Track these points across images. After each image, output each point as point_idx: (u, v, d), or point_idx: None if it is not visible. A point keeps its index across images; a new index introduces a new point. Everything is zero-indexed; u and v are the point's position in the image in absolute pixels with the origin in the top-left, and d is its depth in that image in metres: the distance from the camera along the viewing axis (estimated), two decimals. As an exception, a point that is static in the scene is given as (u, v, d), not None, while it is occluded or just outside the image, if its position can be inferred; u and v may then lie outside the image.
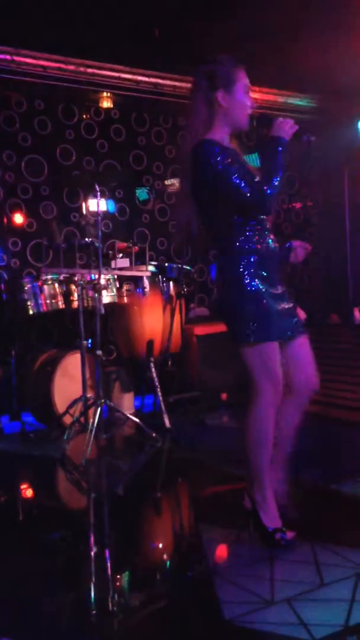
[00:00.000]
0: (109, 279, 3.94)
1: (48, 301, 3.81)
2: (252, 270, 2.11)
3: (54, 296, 3.83)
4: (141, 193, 5.11)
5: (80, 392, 3.64)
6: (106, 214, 4.95)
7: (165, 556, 2.35)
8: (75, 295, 3.78)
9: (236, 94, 2.13)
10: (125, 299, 4.16)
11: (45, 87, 4.57)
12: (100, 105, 4.97)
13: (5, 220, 4.63)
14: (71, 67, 4.47)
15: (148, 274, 4.08)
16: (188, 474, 3.19)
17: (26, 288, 3.84)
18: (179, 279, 4.17)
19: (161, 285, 4.18)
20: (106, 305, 3.80)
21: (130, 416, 3.74)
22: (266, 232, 2.17)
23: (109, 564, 2.18)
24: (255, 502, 2.16)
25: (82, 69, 4.51)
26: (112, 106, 5.01)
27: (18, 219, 4.68)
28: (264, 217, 2.18)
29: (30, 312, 3.85)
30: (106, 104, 4.95)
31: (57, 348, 4.34)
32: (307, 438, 2.39)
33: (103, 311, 3.62)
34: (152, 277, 4.16)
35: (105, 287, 3.85)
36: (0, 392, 4.17)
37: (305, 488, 2.34)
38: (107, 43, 4.23)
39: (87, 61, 4.48)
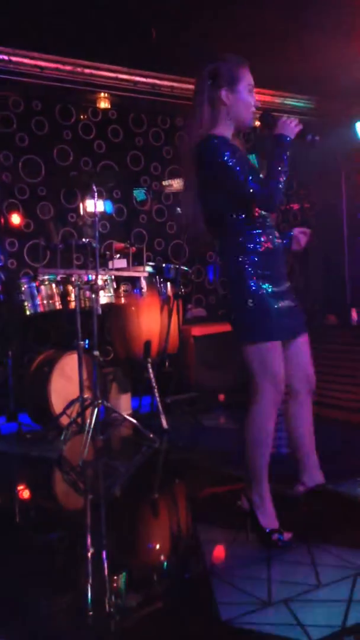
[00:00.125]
0: (106, 280, 3.94)
1: (45, 302, 3.80)
2: (255, 270, 2.11)
3: (51, 297, 3.82)
4: (139, 193, 5.11)
5: (78, 392, 3.63)
6: (104, 215, 4.94)
7: (162, 557, 2.34)
8: (73, 295, 3.77)
9: (240, 93, 2.13)
10: (123, 300, 4.15)
11: (43, 87, 4.56)
12: (97, 105, 4.97)
13: (2, 220, 4.63)
14: (68, 68, 4.47)
15: (145, 274, 4.08)
16: (185, 474, 3.18)
17: (23, 288, 3.83)
18: (176, 279, 4.16)
19: (158, 286, 4.18)
20: (103, 306, 3.79)
21: (128, 417, 3.73)
22: (270, 230, 2.18)
23: (106, 565, 2.17)
24: (253, 503, 2.15)
25: (79, 69, 4.50)
26: (109, 107, 5.01)
27: (15, 219, 4.67)
28: (268, 214, 2.18)
29: (27, 312, 3.84)
30: (104, 104, 4.94)
31: (54, 349, 4.33)
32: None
33: (100, 312, 3.62)
34: (150, 278, 4.15)
35: (103, 288, 3.84)
36: (-3, 393, 4.16)
37: (297, 493, 2.33)
38: (104, 43, 4.23)
39: (84, 61, 4.47)
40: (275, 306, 2.12)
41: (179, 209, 4.36)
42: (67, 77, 4.51)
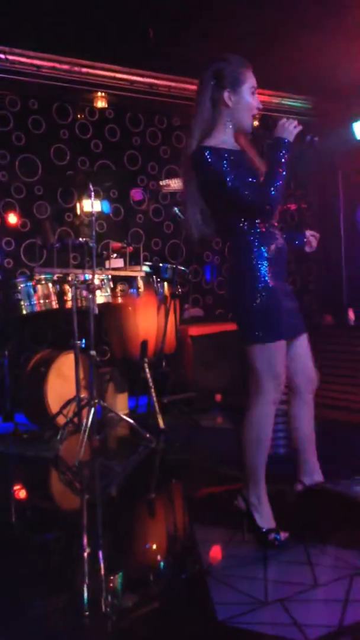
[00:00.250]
0: (103, 279, 3.93)
1: (42, 301, 3.79)
2: (264, 268, 2.11)
3: (47, 296, 3.81)
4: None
5: (74, 392, 3.62)
6: (101, 214, 4.93)
7: (159, 557, 2.34)
8: (69, 295, 3.76)
9: (243, 95, 2.13)
10: (120, 299, 4.14)
11: (40, 86, 4.55)
12: (94, 105, 4.97)
13: (-2, 220, 4.62)
14: (65, 67, 4.46)
15: (142, 274, 4.07)
16: (182, 475, 3.18)
17: (20, 288, 3.82)
18: (173, 279, 4.16)
19: (155, 285, 4.17)
20: (100, 306, 3.79)
21: (124, 417, 3.72)
22: (274, 230, 2.18)
23: (102, 565, 2.17)
24: (249, 503, 2.15)
25: (76, 68, 4.49)
26: (106, 106, 5.00)
27: (12, 218, 4.66)
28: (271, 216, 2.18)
29: (24, 312, 3.83)
30: (101, 103, 4.94)
31: (50, 348, 4.32)
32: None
33: (97, 311, 3.61)
34: (146, 278, 4.15)
35: (100, 287, 3.83)
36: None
37: (295, 492, 2.33)
38: (101, 42, 4.22)
39: (81, 60, 4.46)
40: (283, 304, 2.14)
41: (175, 208, 4.36)
42: (64, 76, 4.50)
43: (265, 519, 2.13)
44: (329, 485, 2.30)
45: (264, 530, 2.12)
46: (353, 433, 3.69)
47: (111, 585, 2.03)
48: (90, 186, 3.56)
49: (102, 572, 2.12)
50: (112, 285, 4.05)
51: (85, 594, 1.96)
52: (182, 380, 4.46)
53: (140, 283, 4.12)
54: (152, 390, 3.95)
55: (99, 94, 4.87)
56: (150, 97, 4.95)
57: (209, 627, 1.71)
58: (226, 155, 2.08)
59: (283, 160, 2.08)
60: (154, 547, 2.43)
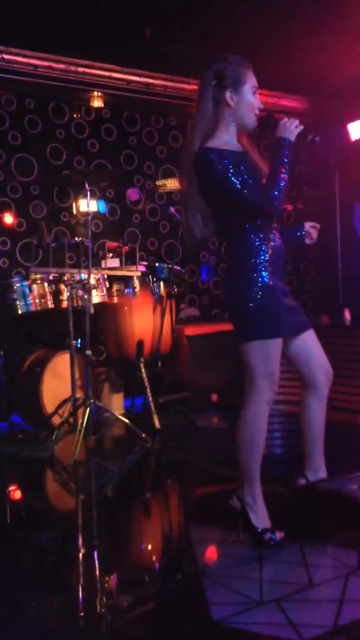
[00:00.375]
0: (98, 279, 3.92)
1: (37, 301, 3.78)
2: (263, 266, 2.11)
3: (43, 296, 3.80)
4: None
5: (70, 392, 3.61)
6: (97, 214, 4.92)
7: (154, 557, 2.33)
8: (65, 294, 3.75)
9: (244, 94, 2.13)
10: (115, 299, 4.14)
11: (36, 85, 4.54)
12: (91, 104, 4.95)
13: (-6, 219, 4.60)
14: (61, 66, 4.44)
15: (138, 274, 4.07)
16: (177, 474, 3.17)
17: (15, 287, 3.81)
18: (169, 279, 4.15)
19: (151, 285, 4.17)
20: (96, 305, 3.78)
21: (120, 417, 3.72)
22: (273, 230, 2.18)
23: (97, 565, 2.16)
24: (245, 502, 2.15)
25: (72, 67, 4.48)
26: (103, 106, 4.99)
27: (7, 218, 4.65)
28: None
29: (19, 311, 3.81)
30: (97, 103, 4.92)
31: (46, 348, 4.31)
32: (297, 439, 2.39)
33: (92, 311, 3.60)
34: (143, 277, 4.14)
35: (95, 287, 3.82)
36: (-11, 393, 4.14)
37: (294, 487, 2.33)
38: (98, 42, 4.21)
39: (77, 60, 4.45)
40: (282, 302, 2.15)
41: (171, 208, 4.35)
42: (60, 75, 4.49)
43: (260, 518, 2.13)
44: (323, 484, 2.30)
45: (259, 530, 2.12)
46: (351, 433, 3.70)
47: (106, 585, 2.03)
48: (87, 186, 3.56)
49: (98, 572, 2.11)
50: (108, 285, 4.05)
51: (81, 594, 1.95)
52: (178, 380, 4.45)
53: (137, 283, 4.11)
54: (148, 390, 3.95)
55: (96, 93, 4.86)
56: (147, 97, 4.94)
57: (204, 627, 1.71)
58: (229, 156, 2.07)
59: (286, 160, 2.08)
60: (150, 547, 2.43)
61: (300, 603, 1.77)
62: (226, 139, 2.14)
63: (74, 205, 4.91)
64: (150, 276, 4.16)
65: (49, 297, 3.83)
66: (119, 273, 4.07)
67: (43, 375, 3.84)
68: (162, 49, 4.27)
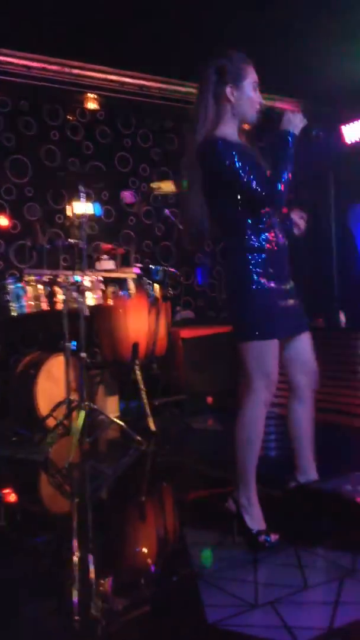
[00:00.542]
0: (93, 281, 3.91)
1: (31, 302, 3.76)
2: (260, 269, 2.11)
3: (37, 297, 3.78)
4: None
5: (64, 395, 3.60)
6: (92, 216, 4.91)
7: (149, 560, 2.32)
8: (59, 296, 3.74)
9: (245, 90, 2.14)
10: (110, 301, 4.12)
11: (30, 87, 4.54)
12: (85, 106, 4.95)
13: (-12, 221, 4.59)
14: (55, 68, 4.44)
15: (133, 276, 4.06)
16: (173, 477, 3.16)
17: (9, 289, 3.79)
18: (164, 281, 4.15)
19: (146, 287, 4.16)
20: (91, 308, 3.76)
21: (115, 419, 3.71)
22: (276, 228, 2.18)
23: (92, 568, 2.15)
24: (240, 505, 2.14)
25: (66, 69, 4.48)
26: (97, 107, 4.99)
27: (2, 220, 4.63)
28: (274, 212, 2.18)
29: (14, 313, 3.80)
30: (91, 105, 4.92)
31: (40, 350, 4.29)
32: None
33: (87, 313, 3.59)
34: (138, 280, 4.13)
35: (90, 289, 3.81)
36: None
37: (288, 488, 2.33)
38: (92, 44, 4.21)
39: (72, 61, 4.45)
40: (279, 305, 2.13)
41: (166, 210, 4.35)
42: (54, 77, 4.48)
43: (255, 520, 2.12)
44: (319, 483, 2.29)
45: (254, 532, 2.11)
46: (347, 435, 3.70)
47: (102, 588, 2.02)
48: (81, 187, 3.55)
49: (93, 575, 2.10)
50: (102, 287, 4.03)
51: (76, 597, 1.94)
52: (173, 383, 4.44)
53: (132, 285, 4.10)
54: (143, 392, 3.94)
55: (90, 95, 4.86)
56: (142, 99, 4.95)
57: (199, 630, 1.70)
58: (236, 147, 2.08)
59: (290, 153, 2.09)
60: (145, 549, 2.42)
61: (295, 605, 1.76)
62: (228, 133, 2.14)
63: (68, 207, 4.89)
64: (145, 278, 4.16)
65: (44, 299, 3.82)
66: (114, 275, 4.06)
67: (37, 378, 3.83)
68: (157, 51, 4.28)
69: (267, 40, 4.09)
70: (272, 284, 2.13)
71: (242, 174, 2.04)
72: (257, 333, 2.10)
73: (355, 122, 5.38)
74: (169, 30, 4.01)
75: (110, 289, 4.14)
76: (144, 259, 5.14)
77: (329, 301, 5.85)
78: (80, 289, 3.57)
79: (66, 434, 3.48)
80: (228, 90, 2.13)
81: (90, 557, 2.23)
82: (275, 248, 2.15)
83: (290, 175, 2.07)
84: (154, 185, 5.07)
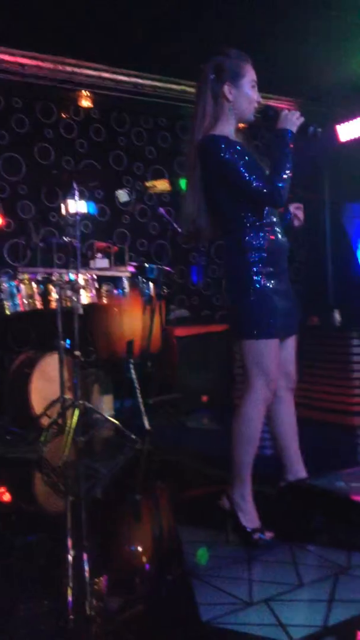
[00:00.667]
0: (87, 279, 3.90)
1: (25, 301, 3.75)
2: (260, 267, 2.11)
3: (31, 296, 3.77)
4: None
5: (58, 393, 3.59)
6: (86, 215, 4.90)
7: (143, 558, 2.31)
8: (54, 295, 3.73)
9: (243, 88, 2.14)
10: (105, 300, 4.11)
11: (24, 85, 4.51)
12: (79, 104, 4.93)
13: (-18, 219, 4.56)
14: (49, 65, 4.41)
15: (127, 274, 4.05)
16: (167, 475, 3.16)
17: (3, 287, 3.78)
18: (158, 280, 4.14)
19: (141, 286, 4.15)
20: (85, 306, 3.75)
21: (109, 418, 3.70)
22: (275, 226, 2.18)
23: (86, 567, 2.14)
24: (234, 503, 2.14)
25: (60, 67, 4.45)
26: (91, 105, 4.97)
27: (-5, 218, 4.61)
28: (273, 210, 2.18)
29: (7, 312, 3.78)
30: (85, 103, 4.90)
31: (34, 349, 4.28)
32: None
33: (82, 311, 3.58)
34: (132, 278, 4.12)
35: (84, 287, 3.80)
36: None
37: (279, 488, 2.33)
38: (87, 41, 4.19)
39: (66, 59, 4.43)
40: (278, 304, 2.13)
41: (160, 209, 4.34)
42: (48, 74, 4.46)
43: (249, 518, 2.12)
44: (310, 480, 2.30)
45: (248, 529, 2.11)
46: (340, 433, 3.71)
47: (96, 586, 2.01)
48: (75, 185, 3.53)
49: (87, 574, 2.09)
50: (97, 286, 4.02)
51: (70, 596, 1.93)
52: (167, 381, 4.44)
53: (126, 283, 4.09)
54: (138, 391, 3.93)
55: (84, 93, 4.84)
56: (136, 97, 4.93)
57: (192, 628, 1.69)
58: (237, 145, 2.09)
59: (288, 150, 2.09)
60: (139, 548, 2.41)
61: (289, 603, 1.76)
62: (226, 131, 2.14)
63: (62, 205, 4.88)
64: (139, 277, 4.15)
65: (38, 298, 3.81)
66: (108, 274, 4.05)
67: (32, 377, 3.81)
68: (151, 49, 4.26)
69: (262, 39, 4.09)
70: (272, 283, 2.12)
71: (243, 172, 2.04)
72: (258, 332, 2.10)
73: (350, 121, 5.39)
74: (164, 29, 3.99)
75: (105, 288, 4.14)
76: (139, 257, 5.13)
77: (324, 300, 5.86)
78: (74, 287, 3.56)
79: (60, 432, 3.47)
80: (226, 88, 2.13)
81: (85, 556, 2.23)
82: (275, 246, 2.15)
83: (290, 173, 2.07)
84: (149, 183, 5.07)
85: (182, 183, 4.85)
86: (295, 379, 2.32)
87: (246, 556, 2.05)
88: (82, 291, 3.70)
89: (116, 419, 3.69)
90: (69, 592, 1.96)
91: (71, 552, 2.26)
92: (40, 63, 4.39)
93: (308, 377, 3.84)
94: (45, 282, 3.83)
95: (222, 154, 2.05)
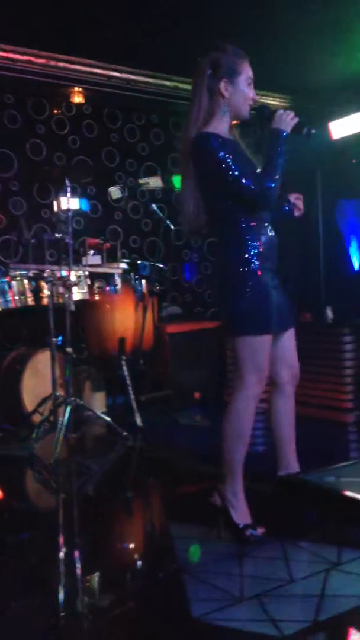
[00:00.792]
0: (79, 276, 3.88)
1: (17, 297, 3.73)
2: (255, 262, 2.11)
3: (22, 292, 3.75)
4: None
5: (50, 390, 3.57)
6: (79, 211, 4.88)
7: (135, 554, 2.32)
8: (45, 291, 3.71)
9: (239, 85, 2.13)
10: (97, 297, 4.10)
11: (15, 80, 4.47)
12: (71, 100, 4.91)
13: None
14: (41, 61, 4.38)
15: (120, 271, 4.04)
16: (159, 472, 3.16)
17: (-6, 284, 3.75)
18: (151, 276, 4.13)
19: (133, 283, 4.14)
20: (77, 303, 3.74)
21: (101, 415, 3.69)
22: (266, 224, 2.18)
23: (78, 564, 2.14)
24: (226, 499, 2.14)
25: (52, 62, 4.42)
26: (83, 101, 4.95)
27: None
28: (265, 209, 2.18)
29: (-2, 308, 3.76)
30: (78, 99, 4.88)
31: (26, 346, 4.26)
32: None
33: (74, 308, 3.57)
34: (124, 275, 4.11)
35: (76, 284, 3.78)
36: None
37: (273, 481, 2.34)
38: (79, 37, 4.17)
39: (58, 55, 4.40)
40: (272, 300, 2.14)
41: (153, 205, 4.33)
42: (40, 70, 4.42)
43: (241, 514, 2.13)
44: (301, 475, 2.30)
45: (240, 526, 2.11)
46: (333, 430, 3.72)
47: (86, 583, 2.01)
48: (67, 181, 3.52)
49: (78, 571, 2.09)
50: (89, 282, 4.01)
51: (61, 593, 1.93)
52: (160, 378, 4.44)
53: (118, 280, 4.08)
54: (130, 387, 3.92)
55: (76, 89, 4.81)
56: (128, 93, 4.91)
57: (183, 624, 1.70)
58: (229, 143, 2.08)
59: (281, 150, 2.09)
60: (131, 544, 2.41)
61: (280, 599, 1.77)
62: (220, 128, 2.13)
63: (54, 201, 4.86)
64: (132, 274, 4.14)
65: (29, 294, 3.79)
66: (100, 270, 4.04)
67: (23, 374, 3.80)
68: (144, 46, 4.25)
69: (256, 36, 4.08)
70: (265, 278, 2.12)
71: (232, 170, 2.04)
72: (251, 327, 2.10)
73: (343, 118, 5.40)
74: (157, 25, 3.98)
75: (97, 284, 4.12)
76: (131, 254, 5.12)
77: (317, 297, 5.87)
78: (66, 284, 3.54)
79: (52, 429, 3.46)
80: (222, 85, 2.12)
81: (76, 553, 2.22)
82: (267, 242, 2.15)
83: (280, 174, 2.07)
84: (141, 180, 5.06)
85: (176, 180, 4.86)
86: (298, 372, 2.32)
87: (238, 552, 2.06)
88: (74, 288, 3.68)
89: (108, 416, 3.68)
90: (61, 589, 1.96)
91: (63, 549, 2.25)
92: (32, 58, 4.36)
93: (300, 374, 3.84)
94: (37, 279, 3.81)
95: (213, 153, 2.05)
